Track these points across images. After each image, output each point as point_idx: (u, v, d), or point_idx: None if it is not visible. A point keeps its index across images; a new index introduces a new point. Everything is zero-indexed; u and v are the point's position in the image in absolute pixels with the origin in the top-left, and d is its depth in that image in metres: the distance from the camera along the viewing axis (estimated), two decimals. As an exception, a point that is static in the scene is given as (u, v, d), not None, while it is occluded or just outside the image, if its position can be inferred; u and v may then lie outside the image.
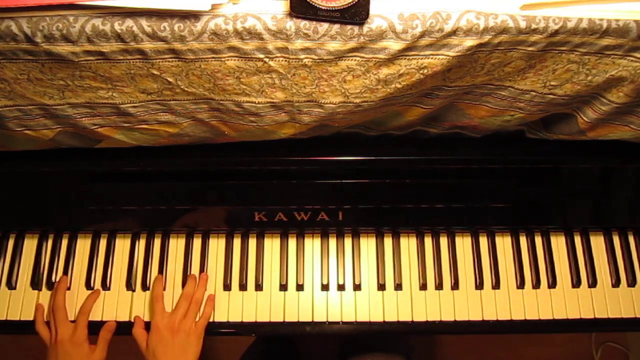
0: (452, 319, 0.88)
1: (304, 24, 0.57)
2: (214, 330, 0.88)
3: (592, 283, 0.90)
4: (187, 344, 0.83)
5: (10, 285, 0.91)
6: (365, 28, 0.57)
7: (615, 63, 0.62)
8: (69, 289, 0.90)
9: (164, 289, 0.89)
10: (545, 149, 0.86)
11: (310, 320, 0.89)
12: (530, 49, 0.60)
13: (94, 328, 0.87)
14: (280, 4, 0.57)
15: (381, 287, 0.90)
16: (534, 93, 0.68)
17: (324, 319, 0.89)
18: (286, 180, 0.88)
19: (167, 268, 0.92)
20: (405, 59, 0.60)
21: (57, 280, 0.90)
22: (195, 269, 0.91)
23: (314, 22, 0.57)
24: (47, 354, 0.84)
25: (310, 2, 0.54)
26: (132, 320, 0.88)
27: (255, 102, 0.68)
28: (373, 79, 0.63)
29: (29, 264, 0.92)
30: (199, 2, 0.55)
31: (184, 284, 0.90)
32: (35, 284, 0.91)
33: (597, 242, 0.93)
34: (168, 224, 0.92)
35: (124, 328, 0.88)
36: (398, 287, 0.90)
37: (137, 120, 0.72)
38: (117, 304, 0.89)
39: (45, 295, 0.90)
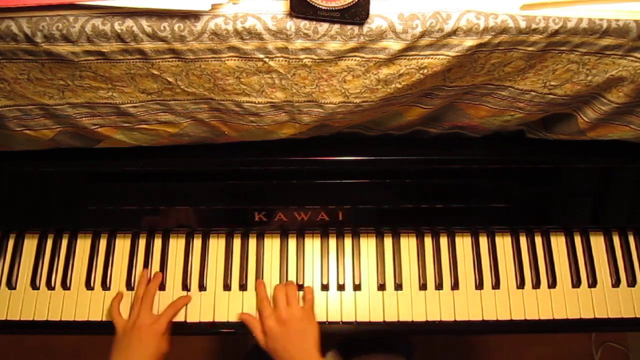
0: (452, 319, 0.88)
1: (304, 24, 0.57)
2: (214, 330, 0.88)
3: (592, 283, 0.90)
4: (302, 329, 0.82)
5: (10, 285, 0.91)
6: (365, 28, 0.57)
7: (615, 63, 0.62)
8: (68, 288, 0.90)
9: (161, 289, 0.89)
10: (545, 149, 0.86)
11: (310, 320, 0.89)
12: (530, 49, 0.60)
13: (86, 328, 0.87)
14: (280, 4, 0.57)
15: (381, 287, 0.90)
16: (534, 93, 0.69)
17: (324, 319, 0.89)
18: (286, 180, 0.88)
19: (167, 268, 0.91)
20: (405, 59, 0.60)
21: (152, 275, 0.90)
22: (195, 269, 0.91)
23: (314, 22, 0.57)
24: (118, 340, 0.82)
25: (310, 2, 0.55)
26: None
27: (255, 102, 0.68)
28: (373, 79, 0.63)
29: (29, 264, 0.92)
30: (199, 2, 0.55)
31: (184, 284, 0.90)
32: (35, 284, 0.91)
33: (597, 242, 0.93)
34: (168, 224, 0.91)
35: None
36: (398, 287, 0.90)
37: (137, 120, 0.72)
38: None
39: (45, 295, 0.90)
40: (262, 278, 0.90)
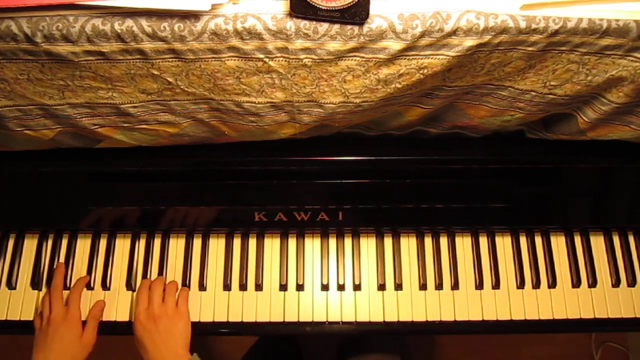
0: (452, 319, 0.88)
1: (304, 24, 0.57)
2: (214, 330, 0.88)
3: (592, 283, 0.90)
4: (172, 327, 0.82)
5: (10, 285, 0.91)
6: (365, 28, 0.57)
7: (615, 63, 0.62)
8: (68, 289, 0.90)
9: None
10: (545, 149, 0.86)
11: (310, 320, 0.89)
12: (530, 49, 0.60)
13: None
14: (280, 4, 0.57)
15: (381, 287, 0.90)
16: (534, 93, 0.69)
17: (323, 319, 0.89)
18: (286, 180, 0.88)
19: (167, 268, 0.91)
20: (405, 59, 0.60)
21: (55, 266, 0.90)
22: (195, 268, 0.91)
23: (314, 22, 0.57)
24: (36, 337, 0.82)
25: (310, 2, 0.55)
26: (131, 320, 0.88)
27: (255, 102, 0.68)
28: (373, 79, 0.63)
29: (29, 264, 0.92)
30: (199, 2, 0.55)
31: (183, 284, 0.90)
32: (35, 284, 0.91)
33: (597, 242, 0.93)
34: (168, 224, 0.91)
35: (124, 328, 0.88)
36: (398, 287, 0.90)
37: (137, 121, 0.72)
38: (117, 304, 0.89)
39: (44, 294, 0.90)
40: (262, 278, 0.90)
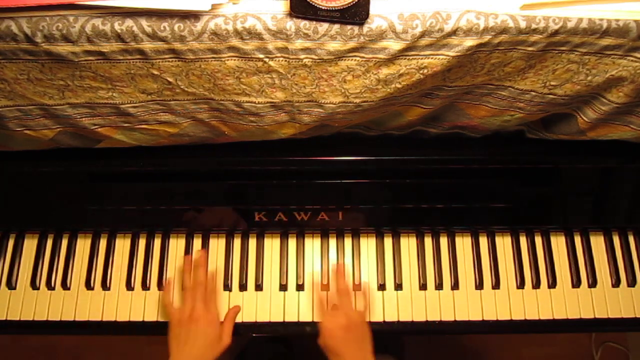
0: (452, 319, 0.88)
1: (304, 24, 0.57)
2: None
3: (592, 283, 0.90)
4: (362, 335, 0.81)
5: (10, 285, 0.91)
6: (365, 28, 0.57)
7: (615, 63, 0.62)
8: (68, 289, 0.90)
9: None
10: (545, 149, 0.86)
11: (310, 320, 0.89)
12: (530, 49, 0.60)
13: (86, 328, 0.87)
14: (280, 4, 0.57)
15: (381, 287, 0.90)
16: (533, 93, 0.69)
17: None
18: (286, 180, 0.88)
19: (167, 268, 0.91)
20: (405, 59, 0.60)
21: (197, 256, 0.89)
22: (195, 269, 0.91)
23: (314, 22, 0.57)
24: (174, 330, 0.81)
25: (310, 2, 0.55)
26: (131, 320, 0.88)
27: (255, 102, 0.68)
28: (373, 79, 0.63)
29: (29, 264, 0.92)
30: (199, 2, 0.55)
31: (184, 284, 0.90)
32: (35, 284, 0.91)
33: (597, 242, 0.93)
34: (168, 224, 0.91)
35: (123, 328, 0.88)
36: (398, 287, 0.90)
37: (137, 120, 0.72)
38: (117, 304, 0.89)
39: (44, 294, 0.90)
40: (262, 278, 0.90)
